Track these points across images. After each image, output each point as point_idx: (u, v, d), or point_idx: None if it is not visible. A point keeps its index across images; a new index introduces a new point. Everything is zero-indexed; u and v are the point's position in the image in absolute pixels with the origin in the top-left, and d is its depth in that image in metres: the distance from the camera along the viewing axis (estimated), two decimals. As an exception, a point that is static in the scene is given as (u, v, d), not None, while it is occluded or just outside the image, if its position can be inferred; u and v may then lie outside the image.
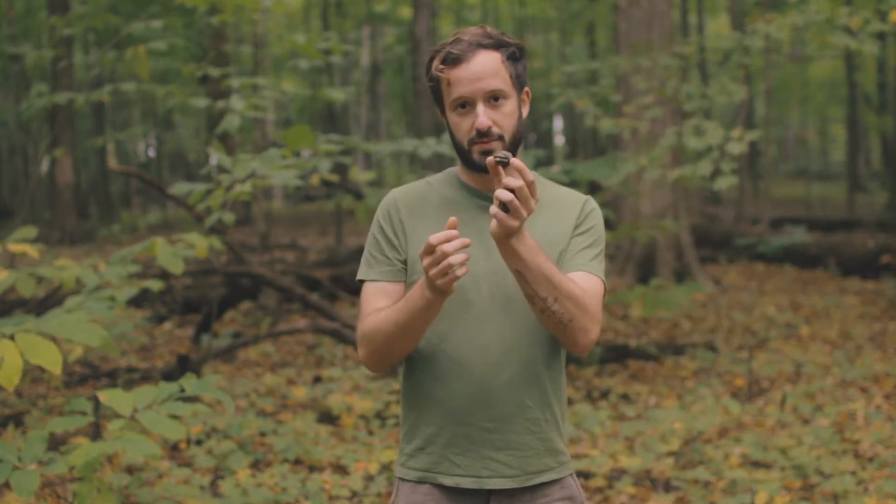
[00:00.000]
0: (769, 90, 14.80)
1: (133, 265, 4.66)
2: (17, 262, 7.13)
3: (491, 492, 1.98)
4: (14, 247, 4.51)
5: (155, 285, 4.81)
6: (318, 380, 6.77)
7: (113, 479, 4.33)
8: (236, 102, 6.41)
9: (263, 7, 7.52)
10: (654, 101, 7.88)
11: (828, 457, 4.79)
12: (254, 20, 8.69)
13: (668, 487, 4.58)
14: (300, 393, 6.21)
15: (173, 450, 5.06)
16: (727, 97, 7.35)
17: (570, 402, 6.09)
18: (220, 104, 6.76)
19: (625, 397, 6.28)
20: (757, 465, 4.82)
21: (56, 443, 4.71)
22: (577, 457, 4.94)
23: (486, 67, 1.91)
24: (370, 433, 5.49)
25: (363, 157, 30.18)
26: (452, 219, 1.76)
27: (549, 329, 1.92)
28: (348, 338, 6.61)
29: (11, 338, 3.05)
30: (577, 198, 2.07)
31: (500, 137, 1.92)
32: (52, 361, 3.00)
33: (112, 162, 26.88)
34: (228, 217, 5.21)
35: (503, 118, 1.92)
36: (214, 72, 7.70)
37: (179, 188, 5.77)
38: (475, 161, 1.93)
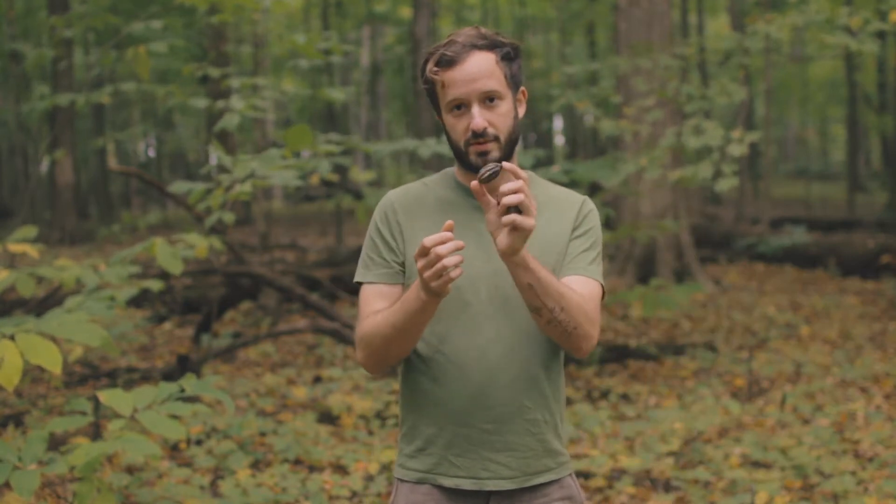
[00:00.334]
0: (769, 90, 14.80)
1: (133, 265, 4.66)
2: (17, 262, 7.13)
3: (490, 493, 1.98)
4: (14, 247, 4.51)
5: (155, 285, 4.81)
6: (318, 380, 6.77)
7: (113, 479, 4.33)
8: (236, 102, 6.41)
9: (263, 7, 7.52)
10: (655, 103, 7.88)
11: (828, 457, 4.79)
12: (254, 20, 8.69)
13: (668, 487, 4.58)
14: (300, 393, 6.21)
15: (173, 450, 5.06)
16: (727, 98, 7.35)
17: (570, 402, 6.09)
18: (220, 104, 6.76)
19: (625, 397, 6.28)
20: (757, 465, 4.82)
21: (56, 443, 4.70)
22: (577, 457, 4.94)
23: (480, 68, 1.90)
24: (370, 433, 5.49)
25: (363, 157, 30.17)
26: (449, 222, 1.76)
27: (553, 338, 1.92)
28: (348, 338, 6.61)
29: (11, 338, 3.05)
30: (574, 198, 2.06)
31: (496, 138, 1.92)
32: (52, 361, 3.00)
33: (112, 162, 26.88)
34: (228, 217, 5.21)
35: (498, 119, 1.92)
36: (214, 72, 7.70)
37: (179, 187, 5.77)
38: (472, 162, 1.93)
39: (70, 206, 18.73)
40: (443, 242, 1.73)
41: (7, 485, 3.84)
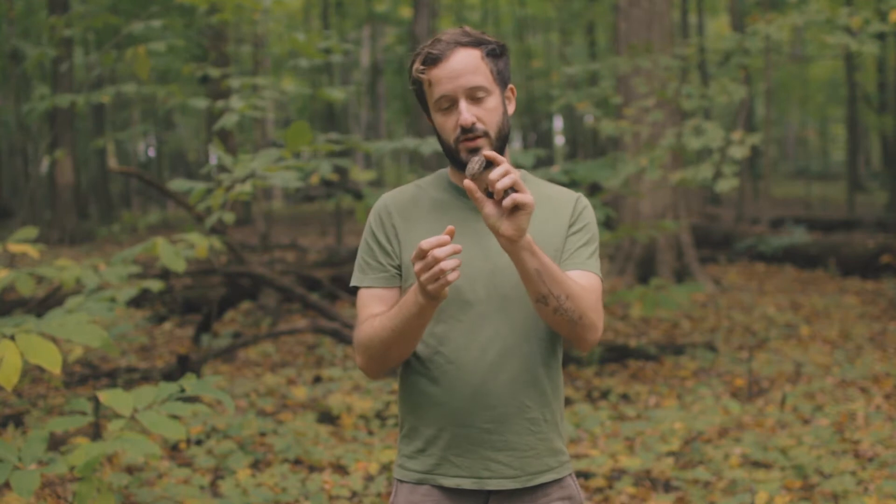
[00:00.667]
0: (769, 90, 14.80)
1: (133, 265, 4.66)
2: (16, 262, 7.13)
3: (490, 493, 1.98)
4: (14, 247, 4.51)
5: (155, 285, 4.81)
6: (318, 380, 6.77)
7: (113, 479, 4.33)
8: (236, 102, 6.41)
9: (264, 7, 7.51)
10: (655, 103, 7.88)
11: (828, 457, 4.79)
12: (254, 20, 8.69)
13: (668, 487, 4.58)
14: (300, 393, 6.21)
15: (173, 450, 5.06)
16: (727, 97, 7.35)
17: (571, 402, 6.09)
18: (220, 104, 6.76)
19: (625, 397, 6.28)
20: (757, 465, 4.82)
21: (56, 443, 4.71)
22: (577, 457, 4.94)
23: (465, 64, 1.91)
24: (370, 433, 5.49)
25: (363, 157, 30.17)
26: (450, 227, 1.76)
27: (559, 329, 1.92)
28: (348, 338, 6.61)
29: (11, 338, 3.05)
30: (569, 195, 2.07)
31: (486, 133, 1.92)
32: (51, 361, 3.00)
33: (112, 162, 26.89)
34: (228, 217, 5.21)
35: (487, 114, 1.92)
36: (214, 72, 7.71)
37: (179, 185, 5.77)
38: (463, 160, 1.93)
39: (70, 206, 18.73)
40: (440, 245, 1.73)
41: (7, 485, 3.84)
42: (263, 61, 12.33)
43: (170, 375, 5.90)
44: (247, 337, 7.22)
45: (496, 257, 1.94)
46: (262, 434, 5.33)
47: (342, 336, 6.66)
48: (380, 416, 5.79)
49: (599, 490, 4.54)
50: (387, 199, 2.06)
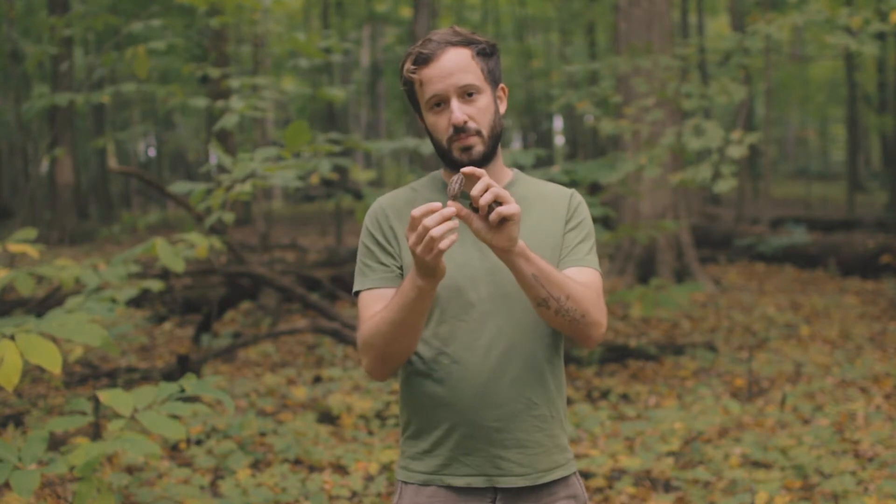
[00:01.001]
0: (769, 90, 14.79)
1: (133, 265, 4.66)
2: (16, 262, 7.14)
3: (497, 491, 1.98)
4: (14, 247, 4.51)
5: (155, 285, 4.81)
6: (318, 380, 6.77)
7: (113, 479, 4.33)
8: (236, 102, 6.41)
9: (263, 7, 7.51)
10: (655, 103, 7.88)
11: (828, 457, 4.79)
12: (254, 20, 8.69)
13: (668, 487, 4.58)
14: (300, 393, 6.21)
15: (173, 450, 5.06)
16: (727, 97, 7.34)
17: (570, 402, 6.09)
18: (220, 104, 6.76)
19: (625, 397, 6.28)
20: (757, 465, 4.82)
21: (56, 443, 4.71)
22: (577, 457, 4.94)
23: (456, 63, 1.91)
24: (370, 433, 5.49)
25: (363, 157, 30.18)
26: (436, 204, 1.75)
27: (563, 330, 1.92)
28: (348, 338, 6.61)
29: (11, 338, 3.05)
30: (562, 192, 2.07)
31: (478, 132, 1.92)
32: (51, 361, 3.00)
33: (112, 162, 26.88)
34: (228, 217, 5.21)
35: (478, 113, 1.92)
36: (214, 72, 7.70)
37: (179, 187, 5.77)
38: (456, 159, 1.93)
39: (70, 206, 18.74)
40: (431, 212, 1.72)
41: (7, 485, 3.84)
42: (263, 61, 12.32)
43: (170, 375, 5.90)
44: (247, 337, 7.22)
45: (493, 255, 1.94)
46: (262, 434, 5.33)
47: (342, 336, 6.66)
48: (380, 416, 5.79)
49: (599, 490, 4.54)
50: (383, 202, 2.06)
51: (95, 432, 4.66)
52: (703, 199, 19.52)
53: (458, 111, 1.90)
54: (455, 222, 1.73)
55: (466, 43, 1.94)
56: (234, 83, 7.19)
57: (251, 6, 6.88)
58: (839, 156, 38.64)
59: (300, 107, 24.36)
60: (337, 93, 7.39)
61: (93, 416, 3.33)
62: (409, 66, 1.95)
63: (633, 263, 10.85)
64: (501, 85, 2.01)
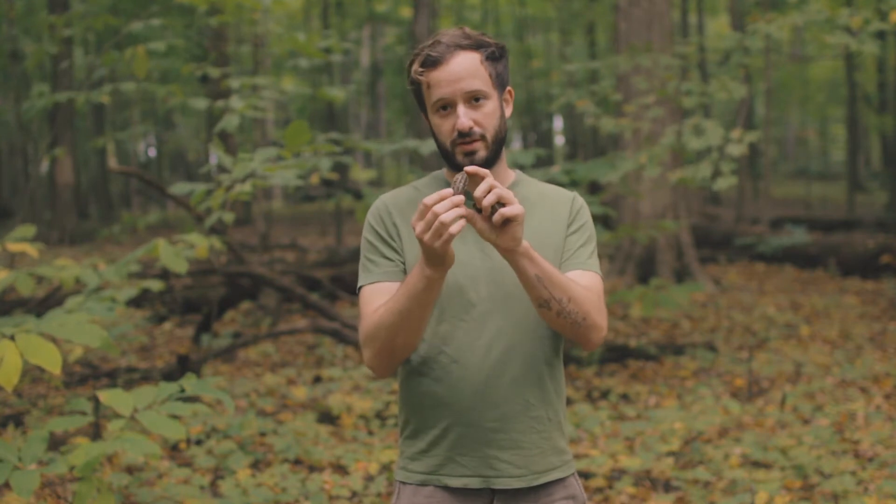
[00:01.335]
0: (769, 90, 14.79)
1: (133, 265, 4.65)
2: (16, 262, 7.14)
3: (494, 492, 1.98)
4: (13, 246, 4.51)
5: (155, 285, 4.81)
6: (318, 380, 6.77)
7: (113, 479, 4.33)
8: (236, 102, 6.41)
9: (263, 7, 7.51)
10: (655, 101, 7.88)
11: (828, 457, 4.79)
12: (254, 20, 8.68)
13: (668, 487, 4.58)
14: (300, 393, 6.21)
15: (173, 450, 5.05)
16: (727, 94, 7.34)
17: (570, 402, 6.09)
18: (220, 104, 6.76)
19: (625, 397, 6.28)
20: (757, 465, 4.81)
21: (56, 443, 4.71)
22: (577, 457, 4.94)
23: (465, 68, 1.91)
24: (370, 433, 5.49)
25: (363, 157, 30.18)
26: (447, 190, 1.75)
27: (563, 332, 1.92)
28: (348, 338, 6.61)
29: (11, 338, 3.05)
30: (565, 195, 2.07)
31: (483, 137, 1.92)
32: (51, 361, 3.00)
33: (112, 162, 26.89)
34: (228, 217, 5.21)
35: (484, 118, 1.92)
36: (214, 72, 7.70)
37: (179, 188, 5.77)
38: (459, 162, 1.93)
39: (70, 206, 18.74)
40: (441, 200, 1.72)
41: (7, 485, 3.84)
42: (263, 61, 12.33)
43: (170, 375, 5.90)
44: (247, 337, 7.22)
45: (495, 255, 1.94)
46: (262, 434, 5.33)
47: (342, 336, 6.66)
48: (380, 416, 5.79)
49: (599, 490, 4.54)
50: (386, 200, 2.06)
51: (95, 432, 4.66)
52: (703, 199, 19.52)
53: (465, 117, 1.90)
54: (464, 209, 1.73)
55: (476, 46, 1.93)
56: (234, 83, 7.19)
57: (251, 6, 6.87)
58: (839, 156, 38.64)
59: (300, 107, 24.36)
60: (337, 93, 7.39)
61: (93, 416, 3.32)
62: (417, 67, 1.94)
63: (633, 263, 10.85)
64: (508, 88, 2.00)
